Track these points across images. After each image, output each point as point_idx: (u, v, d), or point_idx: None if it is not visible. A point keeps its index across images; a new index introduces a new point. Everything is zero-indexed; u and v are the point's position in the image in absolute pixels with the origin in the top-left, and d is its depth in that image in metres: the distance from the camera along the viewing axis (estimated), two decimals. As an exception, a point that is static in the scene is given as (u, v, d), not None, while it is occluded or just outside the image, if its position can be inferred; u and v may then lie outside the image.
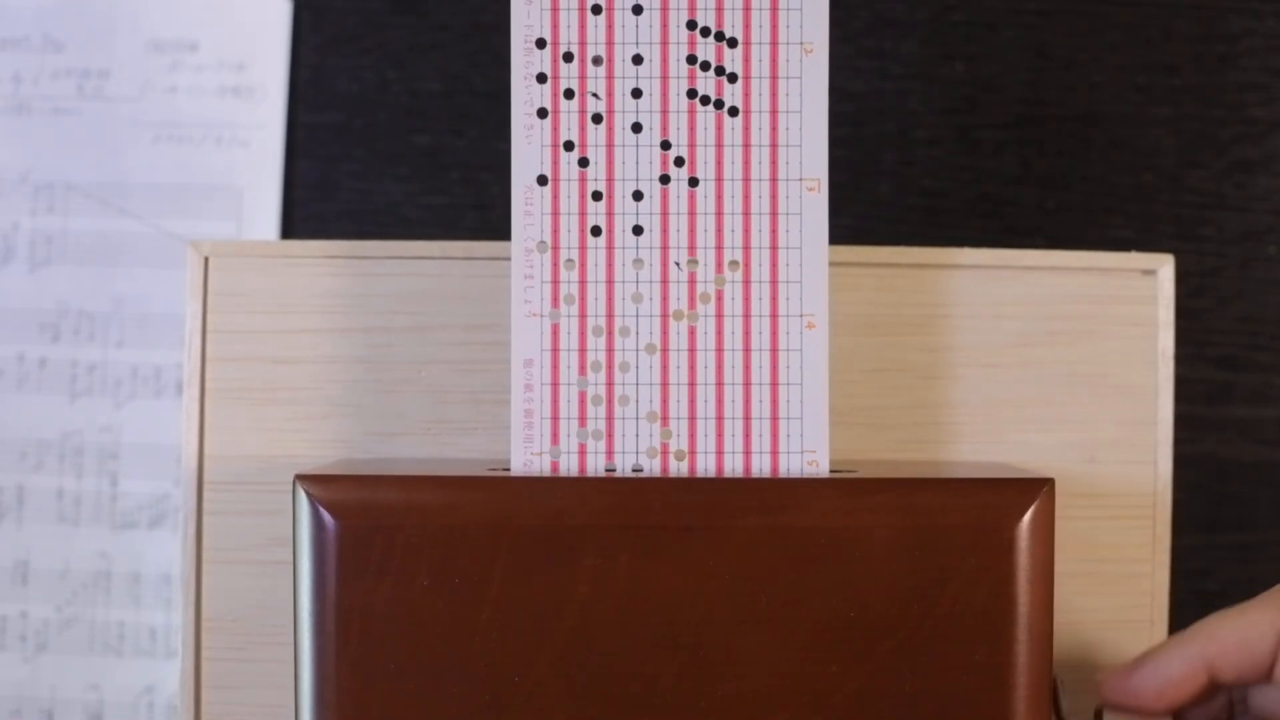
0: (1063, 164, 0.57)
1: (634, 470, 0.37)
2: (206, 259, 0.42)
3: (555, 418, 0.37)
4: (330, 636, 0.34)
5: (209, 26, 0.59)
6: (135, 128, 0.58)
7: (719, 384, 0.37)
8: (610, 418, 0.37)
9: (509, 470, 0.37)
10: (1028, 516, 0.34)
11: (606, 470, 0.37)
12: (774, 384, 0.37)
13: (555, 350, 0.37)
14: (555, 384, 0.37)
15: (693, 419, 0.37)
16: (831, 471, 0.37)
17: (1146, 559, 0.43)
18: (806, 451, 0.37)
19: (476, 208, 0.57)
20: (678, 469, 0.37)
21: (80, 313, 0.58)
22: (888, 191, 0.57)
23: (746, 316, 0.37)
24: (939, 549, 0.34)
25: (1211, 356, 0.56)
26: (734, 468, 0.37)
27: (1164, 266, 0.43)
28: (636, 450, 0.37)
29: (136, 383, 0.58)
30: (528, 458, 0.37)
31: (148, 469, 0.57)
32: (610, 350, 0.37)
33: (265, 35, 0.58)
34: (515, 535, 0.34)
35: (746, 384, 0.37)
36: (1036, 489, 0.35)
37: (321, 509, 0.34)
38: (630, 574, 0.34)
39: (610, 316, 0.37)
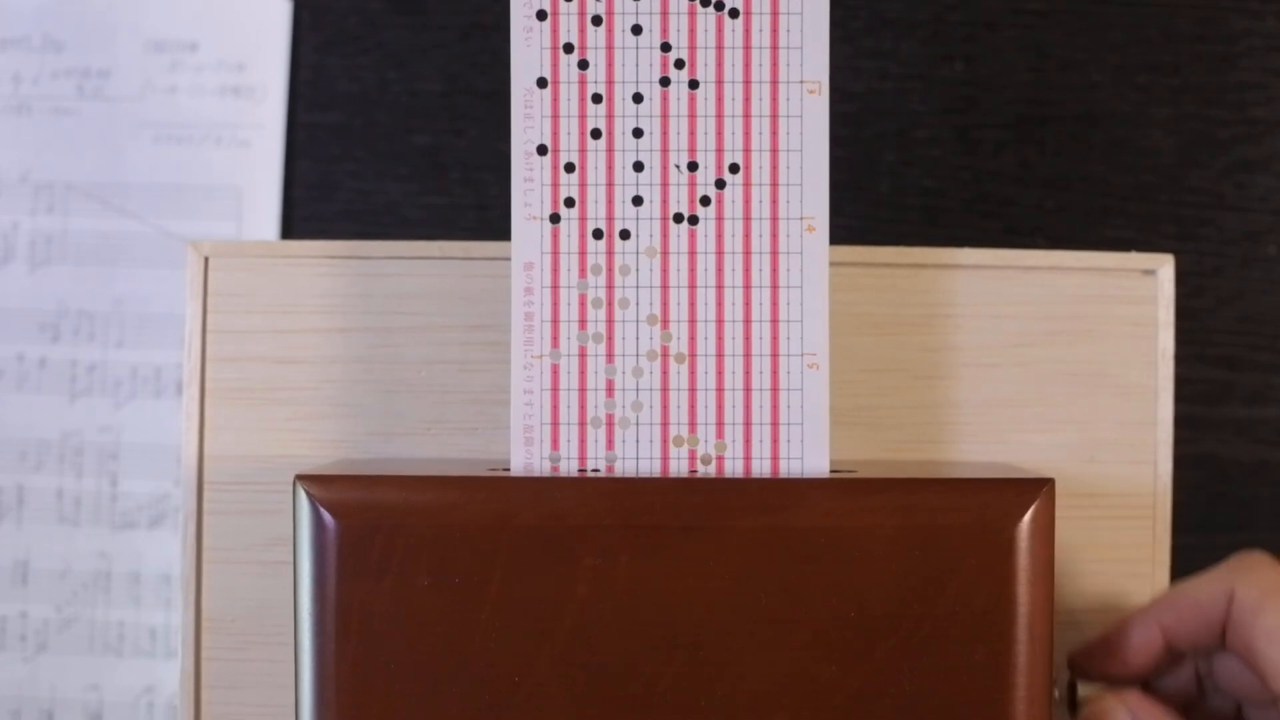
0: (1063, 164, 0.57)
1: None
2: (206, 259, 0.42)
3: (555, 320, 0.37)
4: (330, 636, 0.34)
5: (209, 26, 0.59)
6: (135, 128, 0.58)
7: (719, 287, 0.37)
8: (610, 320, 0.37)
9: (509, 470, 0.37)
10: (1028, 516, 0.34)
11: (607, 374, 0.37)
12: (774, 287, 0.37)
13: (555, 253, 0.37)
14: (555, 287, 0.37)
15: (693, 322, 0.37)
16: (831, 471, 0.37)
17: (1146, 559, 0.43)
18: (807, 354, 0.37)
19: (476, 208, 0.57)
20: (678, 373, 0.37)
21: (80, 313, 0.58)
22: (888, 191, 0.57)
23: (746, 219, 0.37)
24: (939, 549, 0.34)
25: (1211, 356, 0.56)
26: (734, 370, 0.37)
27: (1164, 266, 0.43)
28: (637, 353, 0.37)
29: (136, 383, 0.58)
30: (528, 360, 0.37)
31: (148, 469, 0.57)
32: (610, 253, 0.37)
33: (265, 35, 0.58)
34: (515, 535, 0.34)
35: (746, 287, 0.37)
36: (1036, 489, 0.35)
37: (321, 509, 0.34)
38: (630, 574, 0.34)
39: (610, 220, 0.37)
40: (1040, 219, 0.57)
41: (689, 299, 0.37)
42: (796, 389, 0.37)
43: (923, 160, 0.57)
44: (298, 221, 0.58)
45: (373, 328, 0.42)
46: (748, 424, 0.37)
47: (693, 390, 0.37)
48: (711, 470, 0.37)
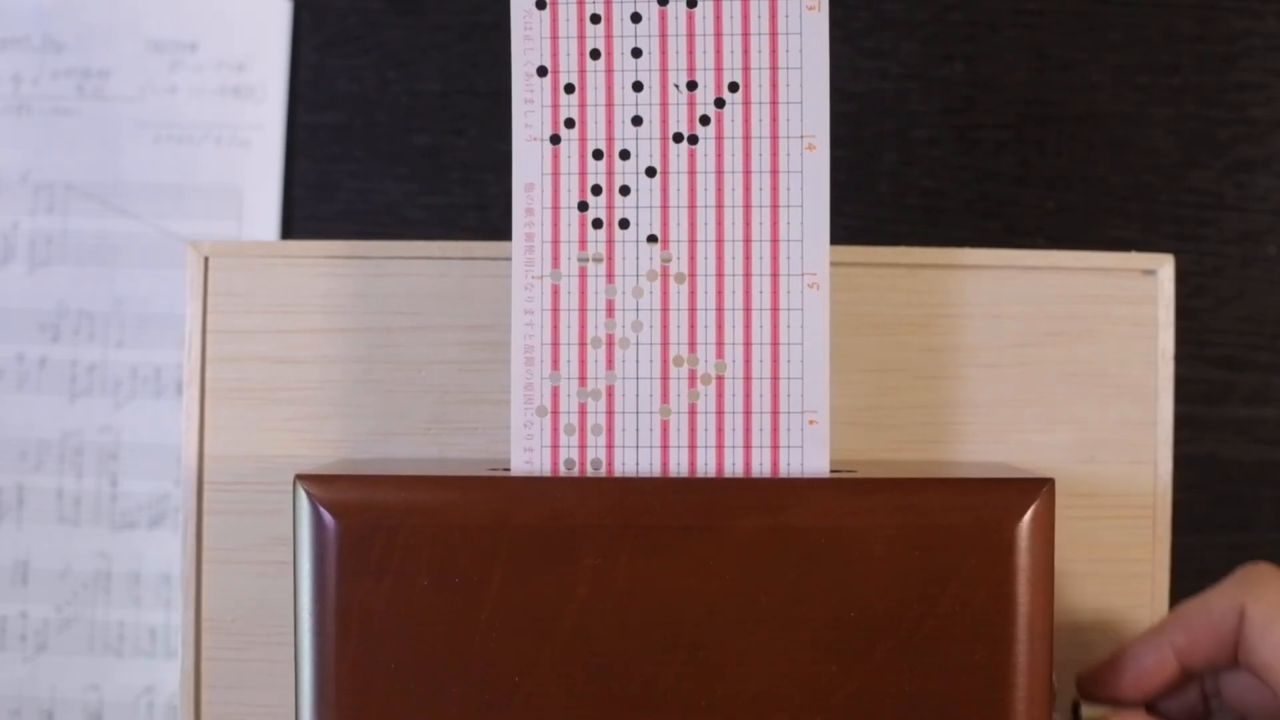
0: (1063, 164, 0.57)
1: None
2: (206, 259, 0.42)
3: (556, 241, 0.37)
4: (330, 636, 0.34)
5: (209, 26, 0.59)
6: (135, 128, 0.58)
7: (719, 206, 0.37)
8: (610, 240, 0.37)
9: (509, 470, 0.37)
10: (1028, 516, 0.34)
11: (607, 293, 0.37)
12: (774, 206, 0.37)
13: (556, 174, 0.37)
14: (556, 208, 0.37)
15: (693, 241, 0.37)
16: (831, 471, 0.37)
17: (1146, 559, 0.43)
18: (807, 274, 0.37)
19: (476, 208, 0.57)
20: (677, 293, 0.37)
21: (80, 313, 0.58)
22: (888, 191, 0.57)
23: (746, 139, 0.37)
24: (939, 549, 0.34)
25: (1211, 356, 0.56)
26: (734, 290, 0.37)
27: (1164, 266, 0.43)
28: (637, 273, 0.37)
29: (136, 383, 0.58)
30: (529, 280, 0.37)
31: (148, 469, 0.57)
32: (610, 174, 0.37)
33: (265, 35, 0.58)
34: (515, 535, 0.34)
35: (746, 206, 0.37)
36: (1036, 489, 0.35)
37: (321, 509, 0.34)
38: (630, 574, 0.34)
39: (610, 140, 0.37)
40: (1040, 219, 0.57)
41: (689, 219, 0.37)
42: (797, 309, 0.37)
43: (923, 160, 0.57)
44: (298, 221, 0.58)
45: (373, 328, 0.42)
46: (748, 344, 0.37)
47: (692, 310, 0.37)
48: (711, 391, 0.37)
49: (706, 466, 0.37)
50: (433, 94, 0.58)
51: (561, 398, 0.37)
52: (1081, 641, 0.42)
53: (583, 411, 0.37)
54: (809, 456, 0.37)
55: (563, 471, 0.37)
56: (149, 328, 0.58)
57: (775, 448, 0.37)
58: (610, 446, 0.37)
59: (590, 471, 0.37)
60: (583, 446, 0.37)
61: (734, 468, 0.37)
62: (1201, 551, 0.55)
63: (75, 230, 0.58)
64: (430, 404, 0.42)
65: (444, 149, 0.57)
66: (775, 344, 0.37)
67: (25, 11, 0.59)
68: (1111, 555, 0.43)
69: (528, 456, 0.37)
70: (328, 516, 0.34)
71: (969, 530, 0.34)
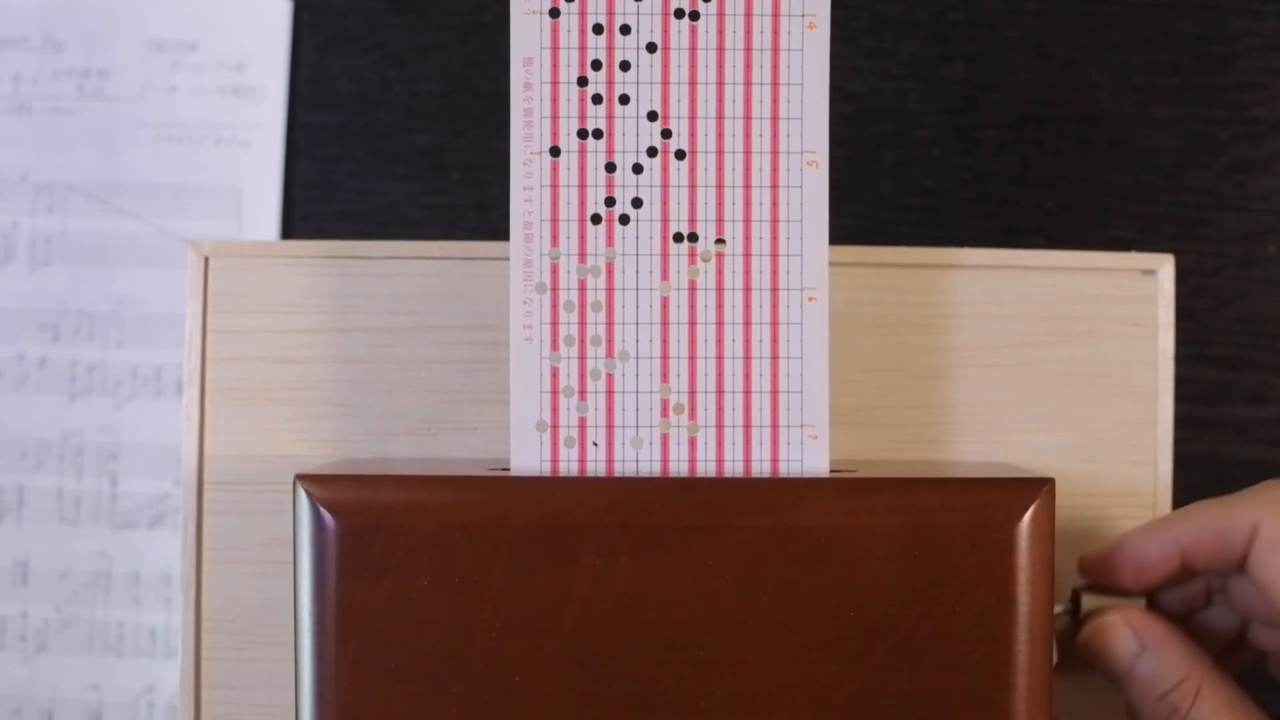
0: (1063, 164, 0.57)
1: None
2: (206, 259, 0.42)
3: (555, 116, 0.37)
4: (330, 636, 0.34)
5: (209, 26, 0.59)
6: (135, 128, 0.58)
7: (719, 84, 0.37)
8: (610, 116, 0.37)
9: (509, 470, 0.37)
10: (1028, 516, 0.34)
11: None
12: (774, 84, 0.37)
13: (555, 49, 0.37)
14: (555, 83, 0.37)
15: (693, 118, 0.37)
16: (831, 471, 0.37)
17: (1146, 559, 0.43)
18: (806, 152, 0.37)
19: (476, 208, 0.57)
20: (678, 170, 0.37)
21: (80, 313, 0.58)
22: (888, 191, 0.57)
23: (749, 16, 0.37)
24: (939, 549, 0.34)
25: (1211, 356, 0.56)
26: (734, 167, 0.37)
27: (1164, 266, 0.43)
28: (637, 149, 0.37)
29: (136, 383, 0.58)
30: (528, 156, 0.37)
31: (148, 469, 0.57)
32: (610, 48, 0.37)
33: (265, 35, 0.58)
34: (515, 535, 0.34)
35: (747, 84, 0.37)
36: (1036, 489, 0.35)
37: (321, 509, 0.34)
38: (630, 574, 0.34)
39: (610, 14, 0.37)
40: (1040, 219, 0.57)
41: (689, 95, 0.37)
42: (796, 186, 0.37)
43: (923, 160, 0.57)
44: (298, 221, 0.58)
45: (373, 328, 0.42)
46: (747, 220, 0.37)
47: (692, 187, 0.37)
48: (711, 268, 0.37)
49: (706, 345, 0.37)
50: (433, 94, 0.58)
51: (561, 274, 0.37)
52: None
53: (582, 288, 0.37)
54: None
55: (562, 348, 0.37)
56: (149, 328, 0.58)
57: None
58: (610, 324, 0.37)
59: (590, 349, 0.37)
60: (582, 323, 0.37)
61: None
62: (1201, 551, 0.55)
63: (75, 230, 0.58)
64: (430, 404, 0.42)
65: (444, 149, 0.57)
66: (775, 221, 0.37)
67: (25, 11, 0.59)
68: (1111, 555, 0.43)
69: (527, 334, 0.37)
70: (328, 516, 0.34)
71: (969, 530, 0.34)
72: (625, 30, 0.37)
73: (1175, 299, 0.43)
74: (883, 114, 0.57)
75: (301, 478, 0.35)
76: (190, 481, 0.42)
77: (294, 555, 0.35)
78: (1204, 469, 0.56)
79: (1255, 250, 0.56)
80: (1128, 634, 0.38)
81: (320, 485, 0.35)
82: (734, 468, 0.37)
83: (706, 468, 0.37)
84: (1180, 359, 0.44)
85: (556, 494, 0.35)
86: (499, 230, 0.56)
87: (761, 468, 0.37)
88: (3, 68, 0.59)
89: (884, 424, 0.43)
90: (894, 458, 0.43)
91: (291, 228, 0.58)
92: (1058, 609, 0.38)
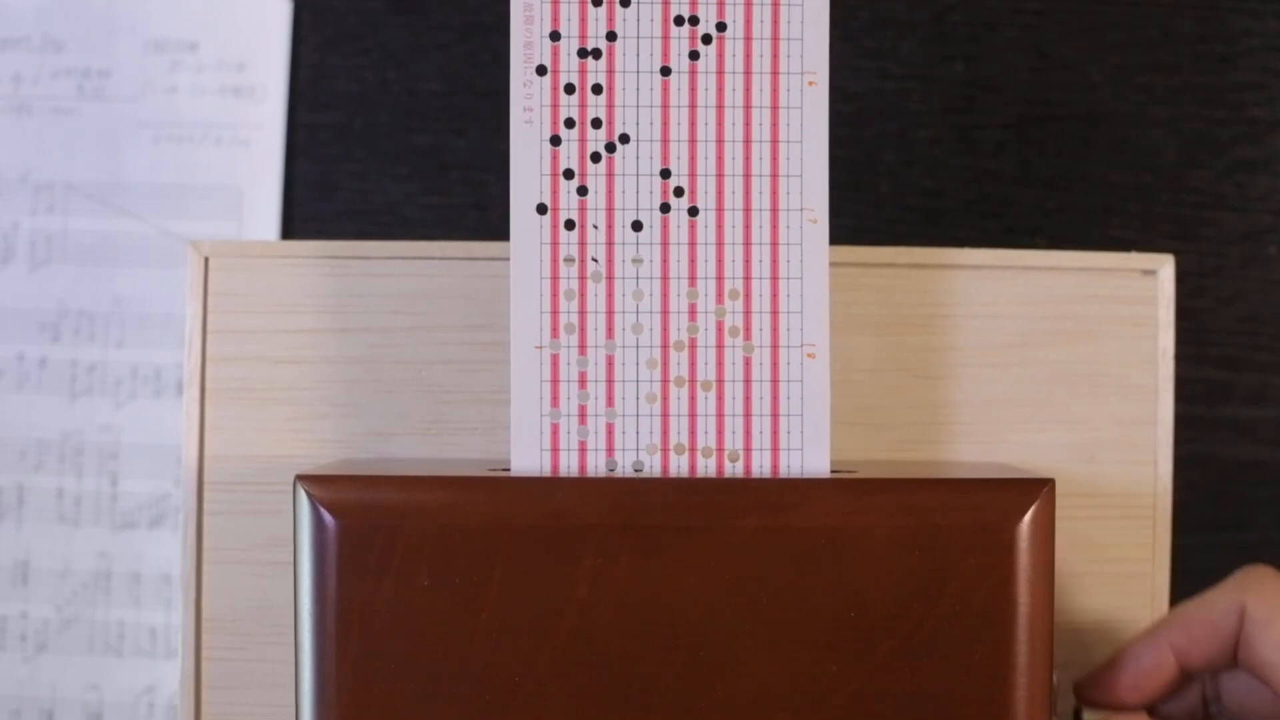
0: (1063, 164, 0.57)
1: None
2: (206, 259, 0.42)
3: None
4: (330, 636, 0.34)
5: (209, 26, 0.59)
6: (135, 128, 0.58)
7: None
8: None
9: (509, 470, 0.37)
10: (1028, 517, 0.34)
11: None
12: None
13: None
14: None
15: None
16: (832, 471, 0.37)
17: (1146, 559, 0.43)
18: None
19: (476, 208, 0.57)
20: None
21: (80, 313, 0.58)
22: (888, 191, 0.57)
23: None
24: (939, 549, 0.34)
25: (1211, 356, 0.56)
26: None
27: (1164, 266, 0.43)
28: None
29: (136, 383, 0.58)
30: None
31: (148, 469, 0.57)
32: None
33: (265, 35, 0.58)
34: (515, 535, 0.34)
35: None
36: (1036, 489, 0.35)
37: (321, 509, 0.34)
38: (630, 574, 0.34)
39: None
40: (1040, 219, 0.57)
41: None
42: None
43: (923, 160, 0.57)
44: (298, 221, 0.58)
45: (373, 328, 0.42)
46: (748, 4, 0.37)
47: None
48: (712, 50, 0.37)
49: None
50: (433, 94, 0.58)
51: (561, 56, 0.37)
52: (1081, 642, 0.42)
53: (583, 71, 0.37)
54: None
55: (563, 129, 0.37)
56: (149, 328, 0.58)
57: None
58: (610, 106, 0.37)
59: (590, 132, 0.37)
60: (583, 105, 0.37)
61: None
62: (1201, 551, 0.55)
63: (75, 230, 0.58)
64: (430, 404, 0.42)
65: (444, 149, 0.57)
66: (776, 3, 0.37)
67: (25, 11, 0.59)
68: (1111, 555, 0.43)
69: (528, 116, 0.37)
70: (328, 516, 0.34)
71: (969, 530, 0.34)
72: None
73: (1175, 299, 0.43)
74: (883, 114, 0.57)
75: (301, 478, 0.35)
76: (190, 481, 0.42)
77: (294, 555, 0.35)
78: (1204, 469, 0.56)
79: (1255, 250, 0.56)
80: None
81: (320, 485, 0.35)
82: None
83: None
84: (1180, 359, 0.44)
85: (557, 494, 0.35)
86: (499, 230, 0.56)
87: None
88: (3, 68, 0.59)
89: (884, 424, 0.43)
90: (894, 458, 0.43)
91: (292, 228, 0.58)
92: None
